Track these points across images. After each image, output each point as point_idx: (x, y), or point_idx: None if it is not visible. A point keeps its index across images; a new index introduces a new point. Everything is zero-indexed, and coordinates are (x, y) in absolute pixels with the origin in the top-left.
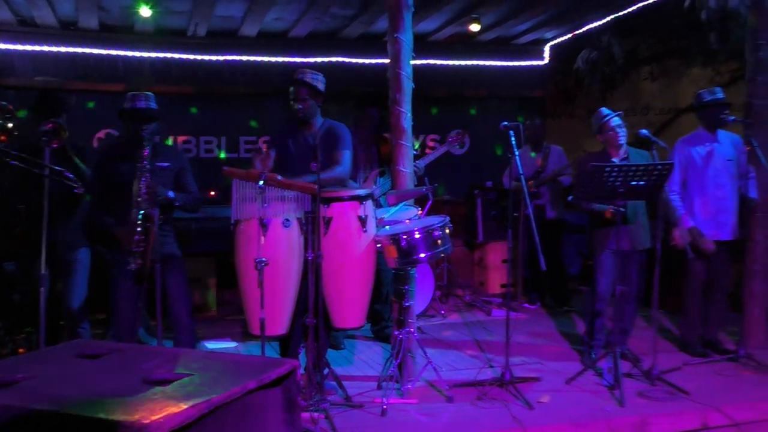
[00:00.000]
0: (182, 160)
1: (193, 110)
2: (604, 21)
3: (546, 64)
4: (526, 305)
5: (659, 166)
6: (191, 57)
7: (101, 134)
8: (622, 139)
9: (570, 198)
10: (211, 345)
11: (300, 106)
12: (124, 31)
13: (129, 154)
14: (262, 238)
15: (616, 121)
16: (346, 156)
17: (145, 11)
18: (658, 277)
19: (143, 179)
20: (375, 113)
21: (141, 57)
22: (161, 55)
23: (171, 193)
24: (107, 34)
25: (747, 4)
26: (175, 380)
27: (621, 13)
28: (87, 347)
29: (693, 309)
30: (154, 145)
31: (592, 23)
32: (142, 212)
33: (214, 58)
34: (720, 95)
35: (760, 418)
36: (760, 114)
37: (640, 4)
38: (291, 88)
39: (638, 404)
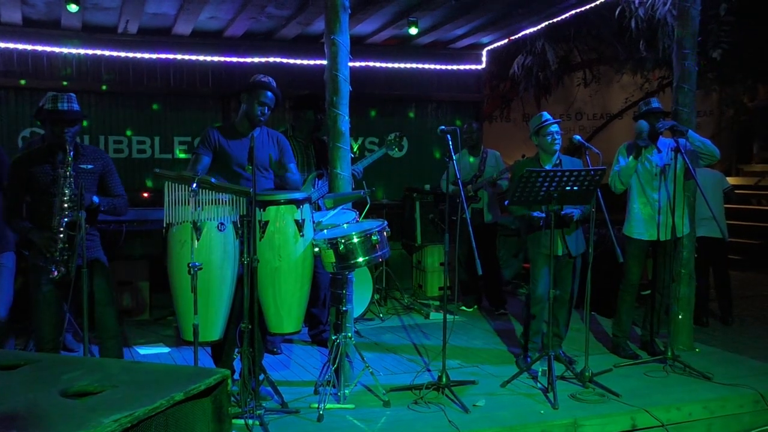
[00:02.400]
0: (106, 161)
1: (125, 109)
2: (539, 27)
3: (483, 68)
4: (464, 308)
5: (592, 172)
6: (122, 54)
7: (26, 133)
8: (557, 146)
9: (507, 202)
10: (144, 350)
11: (267, 112)
12: (50, 27)
13: (50, 157)
14: (196, 241)
15: (554, 127)
16: (295, 167)
17: (72, 6)
18: (591, 280)
19: (66, 184)
20: (311, 115)
21: (68, 54)
22: (90, 52)
23: (96, 198)
24: (32, 30)
25: (674, 14)
26: (97, 393)
27: (554, 20)
28: (2, 357)
29: (625, 311)
30: (76, 146)
31: (527, 29)
32: (66, 219)
33: (146, 56)
34: (655, 105)
35: (686, 419)
36: (686, 121)
37: (573, 12)
38: (261, 92)
39: (571, 406)
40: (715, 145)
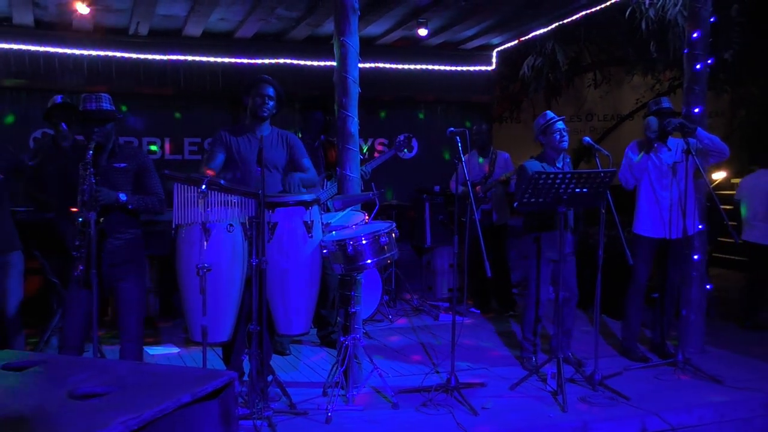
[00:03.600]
0: (142, 160)
1: (135, 110)
2: (549, 28)
3: (493, 69)
4: (473, 309)
5: (602, 174)
6: (132, 56)
7: (37, 134)
8: (565, 143)
9: (516, 204)
10: (153, 351)
11: (270, 104)
12: (61, 29)
13: (81, 156)
14: (205, 243)
15: (560, 124)
16: (309, 163)
17: (82, 8)
18: (600, 282)
19: (86, 183)
20: (320, 116)
21: (80, 55)
22: (101, 53)
23: (123, 196)
24: (43, 32)
25: (685, 15)
26: (105, 394)
27: (564, 21)
28: (12, 358)
29: (633, 314)
30: (112, 146)
31: (537, 30)
32: (81, 218)
33: (157, 57)
34: (665, 104)
35: (696, 423)
36: (697, 122)
37: (583, 13)
38: (261, 84)
39: (580, 410)
40: (724, 144)
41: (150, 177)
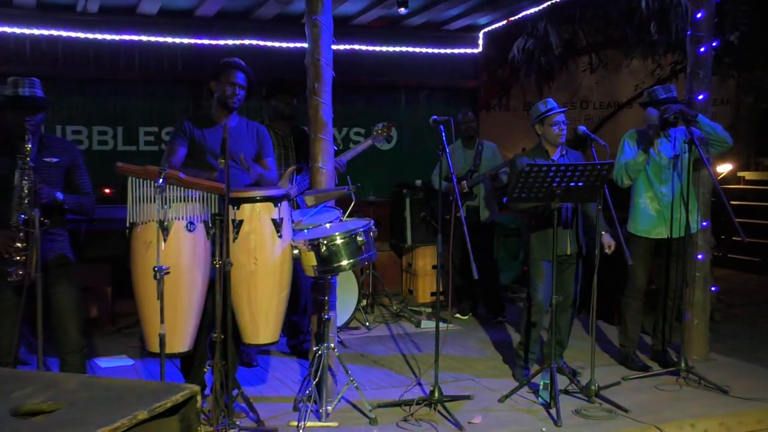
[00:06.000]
0: (74, 155)
1: (85, 96)
2: (541, 7)
3: (480, 52)
4: (458, 315)
5: (599, 166)
6: (81, 35)
7: None
8: (563, 137)
9: (505, 199)
10: (105, 363)
11: (242, 93)
12: (2, 4)
13: (9, 148)
14: (163, 243)
15: (561, 117)
16: (273, 163)
17: None
18: (596, 285)
19: (26, 178)
20: (290, 102)
21: (21, 34)
22: (45, 32)
23: (60, 194)
24: None
25: None
26: (51, 412)
27: (558, 0)
28: None
29: (631, 319)
30: (40, 138)
31: (527, 9)
32: (24, 216)
33: (108, 37)
34: (674, 93)
35: None
36: (701, 111)
37: None
38: (232, 71)
39: (576, 423)
40: (727, 132)
41: (82, 174)
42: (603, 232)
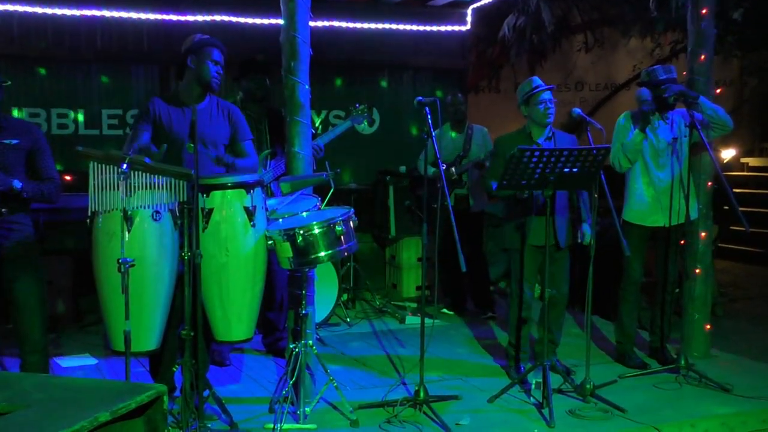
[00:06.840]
0: (36, 136)
1: (43, 77)
2: None
3: (468, 30)
4: (445, 311)
5: (594, 151)
6: (38, 11)
7: None
8: (551, 117)
9: (494, 185)
10: (66, 362)
11: (222, 72)
12: None
13: None
14: (127, 233)
15: (547, 94)
16: (251, 147)
17: None
18: (591, 279)
19: None
20: (263, 83)
21: None
22: (0, 7)
23: (17, 183)
24: None
25: None
26: (5, 414)
27: None
28: None
29: (628, 313)
30: None
31: None
32: None
33: (68, 13)
34: (674, 74)
35: None
36: (702, 92)
37: None
38: (211, 48)
39: (570, 424)
40: (728, 115)
41: (45, 158)
42: (583, 222)
